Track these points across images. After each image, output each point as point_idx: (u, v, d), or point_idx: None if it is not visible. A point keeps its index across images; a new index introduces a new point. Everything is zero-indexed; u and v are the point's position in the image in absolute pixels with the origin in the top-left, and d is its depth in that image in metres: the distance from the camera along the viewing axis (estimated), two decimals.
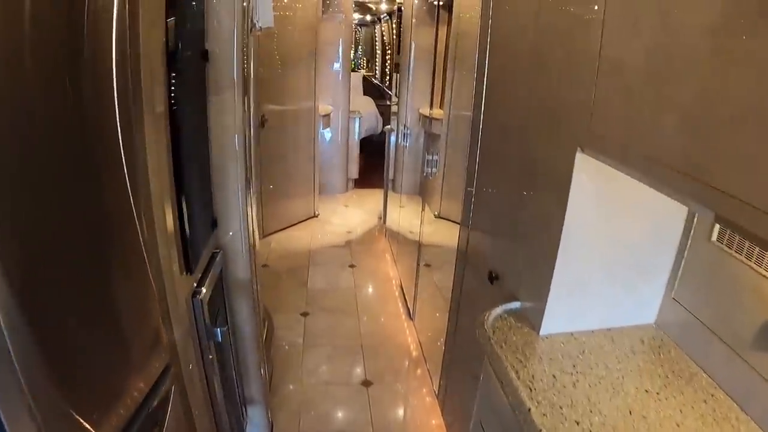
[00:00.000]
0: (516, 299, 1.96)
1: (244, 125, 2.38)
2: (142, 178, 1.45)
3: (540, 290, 1.75)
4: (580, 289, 1.73)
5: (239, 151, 2.35)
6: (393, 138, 6.10)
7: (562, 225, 1.59)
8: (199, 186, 2.17)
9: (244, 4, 2.30)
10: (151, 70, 1.51)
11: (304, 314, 4.45)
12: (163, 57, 1.64)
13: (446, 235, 5.31)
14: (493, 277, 2.15)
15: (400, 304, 4.69)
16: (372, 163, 8.21)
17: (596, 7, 1.39)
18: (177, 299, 1.77)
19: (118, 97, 1.21)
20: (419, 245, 4.44)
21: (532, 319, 1.84)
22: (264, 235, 5.83)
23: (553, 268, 1.66)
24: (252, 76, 2.75)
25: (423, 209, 4.61)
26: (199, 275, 2.11)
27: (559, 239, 1.61)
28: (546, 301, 1.72)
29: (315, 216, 6.51)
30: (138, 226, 1.37)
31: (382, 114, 9.36)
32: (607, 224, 1.65)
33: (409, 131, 5.56)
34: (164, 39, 1.63)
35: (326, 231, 6.18)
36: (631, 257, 1.73)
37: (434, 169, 4.51)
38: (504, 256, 2.16)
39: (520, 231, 2.00)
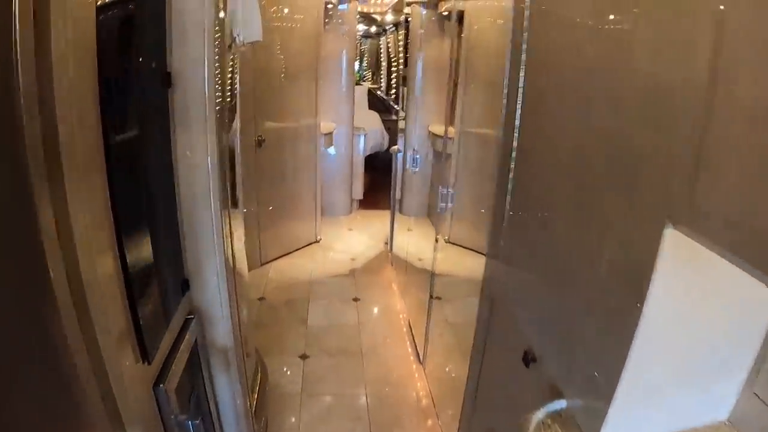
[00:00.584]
0: (559, 390, 1.52)
1: (222, 162, 1.95)
2: (69, 255, 1.07)
3: (599, 392, 1.32)
4: (652, 393, 1.29)
5: (214, 196, 1.91)
6: (400, 159, 5.68)
7: (639, 319, 1.15)
8: (163, 243, 1.75)
9: (221, 15, 1.89)
10: (77, 104, 1.10)
11: (303, 357, 4.02)
12: (94, 85, 1.21)
13: (458, 263, 4.89)
14: (529, 359, 1.71)
15: (408, 345, 4.26)
16: (378, 182, 7.82)
17: (722, 6, 0.92)
18: (130, 395, 1.34)
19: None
20: (431, 275, 4.00)
21: (584, 424, 1.40)
22: (262, 263, 5.42)
23: (622, 370, 1.22)
24: (236, 99, 2.35)
25: (436, 235, 4.16)
26: (165, 356, 1.69)
27: (633, 336, 1.17)
28: (608, 409, 1.28)
29: (317, 241, 6.09)
30: (64, 318, 1.03)
31: (388, 129, 8.95)
32: (692, 316, 1.21)
33: (417, 156, 5.12)
34: (95, 62, 1.20)
35: (329, 258, 5.75)
36: (711, 353, 1.29)
37: (449, 204, 4.10)
38: (545, 333, 1.70)
39: (570, 307, 1.54)
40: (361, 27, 11.83)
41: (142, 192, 1.58)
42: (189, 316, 2.01)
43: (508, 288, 2.14)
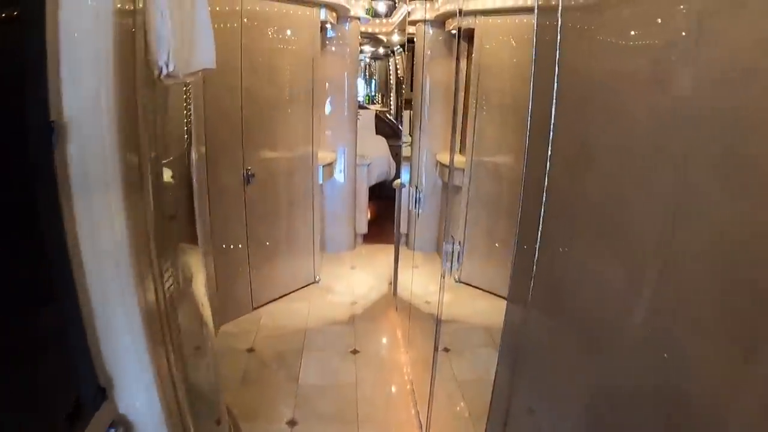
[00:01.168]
0: None
1: (149, 239, 1.47)
2: None
3: None
4: None
5: (130, 288, 1.43)
6: (404, 193, 5.20)
7: None
8: (62, 346, 1.27)
9: (149, 35, 1.42)
10: None
11: (291, 423, 3.51)
12: None
13: (469, 307, 4.40)
14: None
15: (411, 408, 3.74)
16: (384, 213, 7.37)
17: None
18: None
19: None
20: (437, 321, 3.48)
21: None
22: (254, 307, 4.93)
23: None
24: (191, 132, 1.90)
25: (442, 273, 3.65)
26: None
27: None
28: None
29: (315, 282, 5.58)
30: None
31: (396, 156, 8.48)
32: None
33: (421, 195, 4.61)
34: None
35: (327, 302, 5.24)
36: None
37: (456, 265, 3.60)
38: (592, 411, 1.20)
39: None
40: (368, 48, 11.52)
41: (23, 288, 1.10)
42: (110, 429, 1.53)
43: (539, 341, 1.65)
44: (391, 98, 12.16)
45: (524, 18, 4.40)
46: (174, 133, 2.32)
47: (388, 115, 11.43)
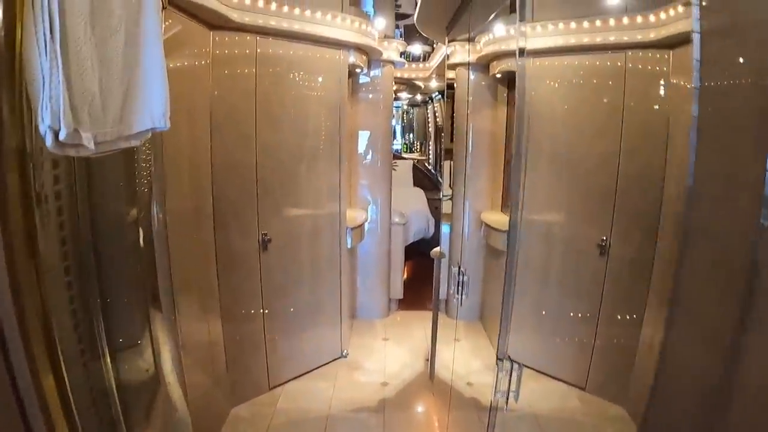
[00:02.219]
0: None
1: None
2: None
3: None
4: None
5: None
6: (444, 265, 4.56)
7: None
8: None
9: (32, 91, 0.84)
10: None
11: None
12: None
13: (521, 392, 3.75)
14: None
15: None
16: (421, 273, 6.75)
17: None
18: None
19: None
20: (489, 413, 2.78)
21: None
22: (270, 386, 4.28)
23: None
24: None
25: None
26: None
27: None
28: None
29: (342, 356, 4.91)
30: None
31: (435, 209, 7.88)
32: None
33: (466, 276, 3.90)
34: None
35: (354, 381, 4.56)
36: None
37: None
38: None
39: None
40: (405, 95, 11.18)
41: None
42: None
43: None
44: (430, 147, 11.74)
45: (576, 59, 3.94)
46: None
47: (426, 165, 10.93)
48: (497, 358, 2.70)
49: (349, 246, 4.82)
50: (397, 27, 7.09)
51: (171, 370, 2.17)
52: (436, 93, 9.49)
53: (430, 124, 11.52)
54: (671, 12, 3.21)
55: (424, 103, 11.82)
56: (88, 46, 1.09)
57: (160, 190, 2.34)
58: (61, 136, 1.03)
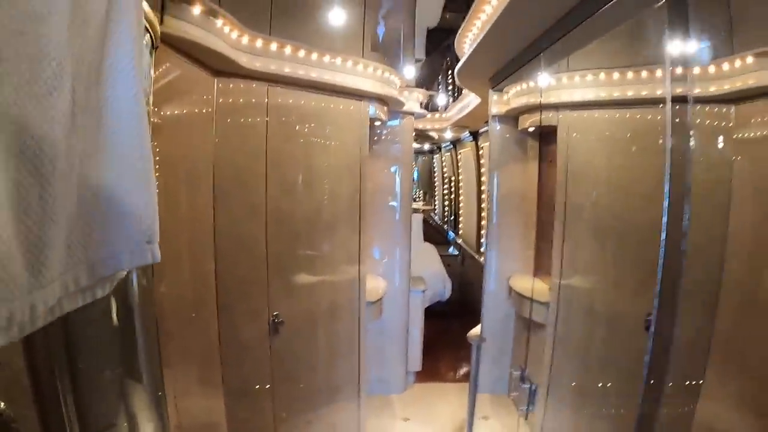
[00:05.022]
0: None
1: None
2: None
3: None
4: None
5: None
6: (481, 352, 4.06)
7: None
8: None
9: None
10: None
11: None
12: None
13: None
14: None
15: None
16: (437, 339, 6.25)
17: None
18: None
19: None
20: None
21: None
22: None
23: None
24: None
25: None
26: None
27: None
28: None
29: None
30: None
31: (448, 266, 7.37)
32: None
33: (534, 386, 3.38)
34: None
35: None
36: None
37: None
38: None
39: None
40: (414, 145, 10.73)
41: None
42: None
43: None
44: (436, 197, 11.45)
45: (618, 113, 3.56)
46: None
47: (433, 216, 10.56)
48: None
49: (368, 324, 4.29)
50: None
51: None
52: (447, 143, 9.15)
53: (436, 175, 11.26)
54: (737, 63, 2.78)
55: (431, 152, 11.65)
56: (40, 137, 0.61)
57: None
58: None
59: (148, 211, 0.95)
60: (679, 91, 3.10)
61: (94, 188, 0.85)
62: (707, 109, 3.10)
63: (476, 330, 3.89)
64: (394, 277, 5.13)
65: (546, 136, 4.44)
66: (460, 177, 8.44)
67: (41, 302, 0.73)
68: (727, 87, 2.85)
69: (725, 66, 2.85)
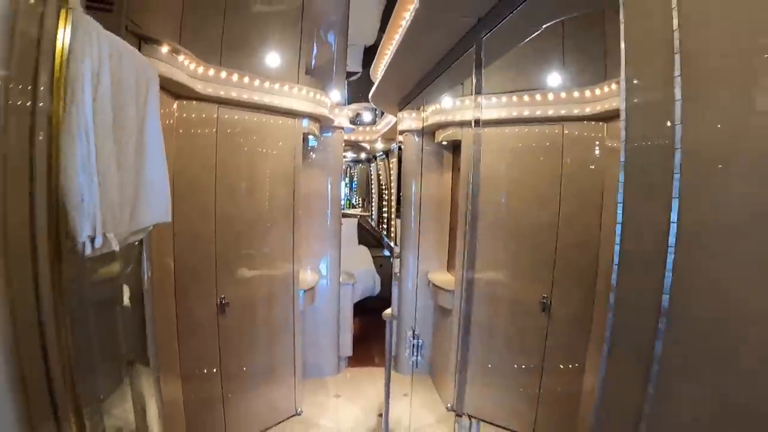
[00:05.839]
0: None
1: None
2: None
3: None
4: None
5: None
6: (395, 327, 4.73)
7: None
8: None
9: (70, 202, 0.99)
10: None
11: None
12: None
13: None
14: None
15: None
16: (370, 330, 6.94)
17: None
18: None
19: None
20: None
21: None
22: None
23: None
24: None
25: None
26: None
27: None
28: None
29: (297, 414, 4.98)
30: None
31: (380, 267, 8.04)
32: None
33: (420, 341, 4.08)
34: None
35: None
36: None
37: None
38: None
39: None
40: (350, 154, 11.44)
41: None
42: None
43: None
44: (373, 203, 11.91)
45: (517, 129, 4.21)
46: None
47: (369, 221, 11.08)
48: (455, 414, 2.87)
49: (301, 308, 4.93)
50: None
51: (156, 424, 2.25)
52: (381, 152, 9.73)
53: (373, 182, 11.74)
54: (605, 89, 3.48)
55: (368, 160, 12.07)
56: (112, 159, 1.25)
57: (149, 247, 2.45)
58: (97, 244, 1.18)
59: (167, 195, 1.60)
60: (563, 112, 3.80)
61: (144, 183, 1.50)
62: (586, 124, 3.78)
63: (388, 310, 4.57)
64: (326, 271, 5.76)
65: (458, 148, 5.08)
66: (392, 184, 9.02)
67: (124, 233, 1.37)
68: (598, 108, 3.55)
69: (597, 91, 3.58)
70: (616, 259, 1.31)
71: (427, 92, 4.02)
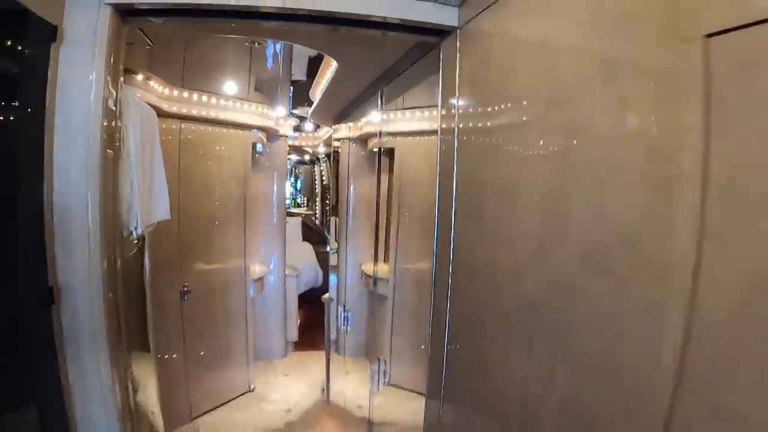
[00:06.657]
0: None
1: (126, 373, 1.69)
2: None
3: None
4: None
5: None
6: (333, 307, 5.44)
7: None
8: None
9: (123, 208, 1.69)
10: None
11: None
12: None
13: (400, 409, 4.59)
14: None
15: None
16: (314, 318, 7.55)
17: None
18: None
19: None
20: (369, 425, 3.65)
21: None
22: (192, 416, 4.95)
23: None
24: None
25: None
26: None
27: None
28: None
29: (250, 390, 5.67)
30: None
31: (323, 262, 8.74)
32: None
33: (349, 314, 4.85)
34: None
35: (263, 410, 5.33)
36: None
37: (382, 383, 3.94)
38: None
39: None
40: (295, 156, 11.91)
41: None
42: None
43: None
44: (317, 203, 12.47)
45: (431, 138, 4.82)
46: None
47: (314, 219, 11.64)
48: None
49: (252, 295, 5.62)
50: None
51: (155, 401, 2.80)
52: (323, 155, 10.37)
53: (317, 183, 12.33)
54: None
55: (312, 162, 12.63)
56: (141, 179, 1.92)
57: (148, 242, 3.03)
58: (136, 234, 1.86)
59: (167, 199, 2.27)
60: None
61: (154, 189, 2.16)
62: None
63: (327, 294, 5.31)
64: (273, 264, 6.43)
65: (390, 153, 5.77)
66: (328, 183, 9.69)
67: (143, 227, 2.05)
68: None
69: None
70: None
71: (356, 112, 4.73)
